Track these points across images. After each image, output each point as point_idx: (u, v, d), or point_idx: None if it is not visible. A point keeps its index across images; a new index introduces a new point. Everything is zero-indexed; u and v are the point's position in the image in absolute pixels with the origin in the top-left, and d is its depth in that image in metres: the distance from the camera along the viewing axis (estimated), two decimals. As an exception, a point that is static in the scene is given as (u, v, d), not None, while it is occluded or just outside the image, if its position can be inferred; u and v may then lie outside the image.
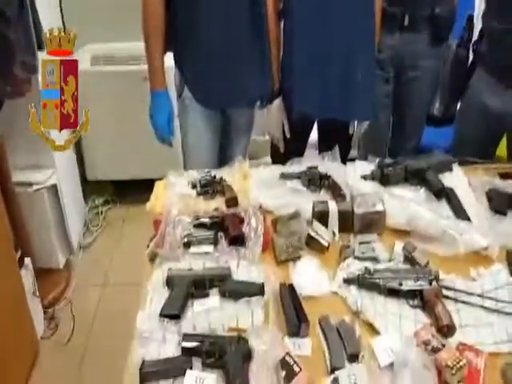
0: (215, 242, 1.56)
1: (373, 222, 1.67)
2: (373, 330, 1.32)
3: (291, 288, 1.38)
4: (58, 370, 2.30)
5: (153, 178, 1.93)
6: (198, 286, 1.39)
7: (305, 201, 1.75)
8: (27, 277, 2.27)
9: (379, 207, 1.67)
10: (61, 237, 2.69)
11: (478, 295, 1.44)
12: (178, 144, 2.20)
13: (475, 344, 1.29)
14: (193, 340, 1.21)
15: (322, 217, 1.64)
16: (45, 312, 2.49)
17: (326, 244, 1.58)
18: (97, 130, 2.89)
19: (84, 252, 2.89)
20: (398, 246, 1.60)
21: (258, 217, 1.62)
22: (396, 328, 1.33)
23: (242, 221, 1.64)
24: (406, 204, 1.73)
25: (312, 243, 1.59)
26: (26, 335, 2.28)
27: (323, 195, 1.83)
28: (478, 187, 1.87)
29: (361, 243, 1.61)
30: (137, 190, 2.70)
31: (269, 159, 2.41)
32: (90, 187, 3.18)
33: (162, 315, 1.30)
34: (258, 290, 1.35)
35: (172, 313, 1.30)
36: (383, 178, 1.86)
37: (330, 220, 1.66)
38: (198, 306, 1.34)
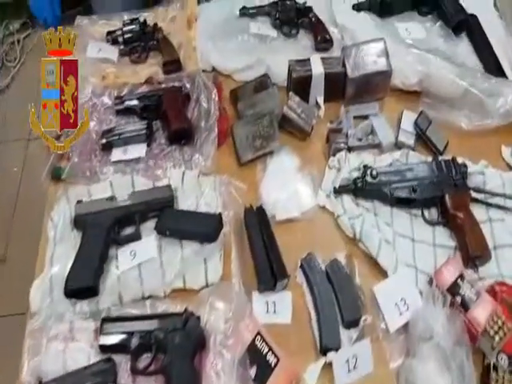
0: (149, 141, 1.07)
1: (373, 86, 1.19)
2: (377, 267, 0.94)
3: (261, 213, 0.96)
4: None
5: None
6: (124, 224, 0.94)
7: (276, 54, 1.25)
8: None
9: (382, 64, 1.17)
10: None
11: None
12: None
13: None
14: (116, 330, 0.81)
15: (301, 83, 1.15)
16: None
17: (309, 128, 1.11)
18: None
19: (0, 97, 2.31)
20: (407, 119, 1.17)
21: (210, 91, 1.11)
22: (409, 262, 0.95)
23: (187, 97, 1.13)
24: (415, 53, 1.24)
25: (288, 126, 1.12)
26: None
27: (302, 40, 1.34)
28: (506, 9, 1.46)
29: (356, 118, 1.16)
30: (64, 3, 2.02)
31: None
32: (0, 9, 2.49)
33: (69, 292, 0.86)
34: (212, 227, 0.90)
35: (83, 285, 0.86)
36: (383, 6, 1.40)
37: (314, 86, 1.17)
38: (124, 262, 0.89)
